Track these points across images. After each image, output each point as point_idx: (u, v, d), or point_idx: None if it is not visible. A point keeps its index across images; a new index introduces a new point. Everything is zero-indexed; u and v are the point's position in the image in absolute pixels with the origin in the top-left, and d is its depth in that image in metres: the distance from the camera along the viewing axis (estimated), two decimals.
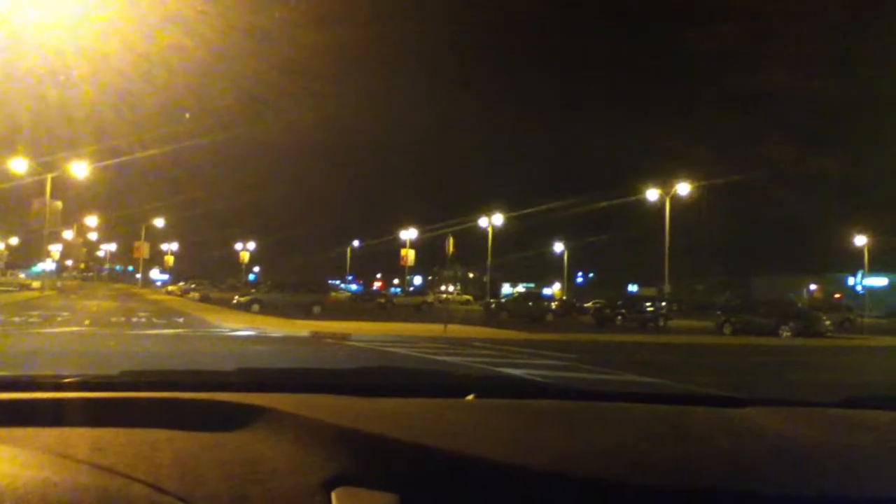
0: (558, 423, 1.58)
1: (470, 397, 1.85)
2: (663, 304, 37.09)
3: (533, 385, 2.63)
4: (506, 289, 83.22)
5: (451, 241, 22.10)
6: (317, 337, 18.45)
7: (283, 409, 1.48)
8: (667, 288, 42.10)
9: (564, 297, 58.64)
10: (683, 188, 44.22)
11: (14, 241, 79.70)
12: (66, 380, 1.63)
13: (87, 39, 21.07)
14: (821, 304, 44.30)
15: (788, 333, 27.84)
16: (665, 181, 44.64)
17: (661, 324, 33.79)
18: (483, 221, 58.71)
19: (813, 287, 63.73)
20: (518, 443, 1.36)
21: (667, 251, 42.95)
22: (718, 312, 34.66)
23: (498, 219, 58.93)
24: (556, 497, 1.16)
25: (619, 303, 38.97)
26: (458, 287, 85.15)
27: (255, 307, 32.16)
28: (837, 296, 52.95)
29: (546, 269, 79.79)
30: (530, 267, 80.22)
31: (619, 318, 35.56)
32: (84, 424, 1.42)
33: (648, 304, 38.75)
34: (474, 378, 2.44)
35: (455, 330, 21.67)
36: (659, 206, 44.78)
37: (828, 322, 30.22)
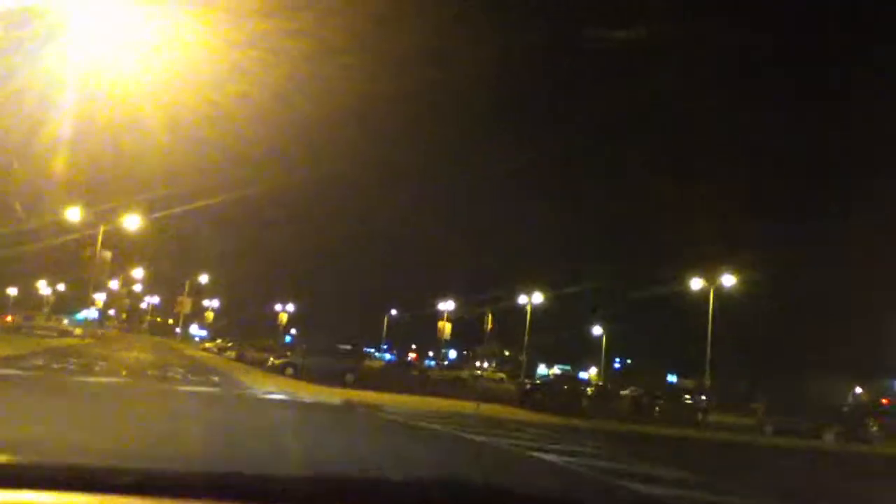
0: None
1: None
2: (703, 397, 36.11)
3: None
4: (541, 369, 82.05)
5: (489, 317, 21.97)
6: (349, 406, 18.27)
7: None
8: (707, 381, 41.15)
9: (600, 382, 57.52)
10: (728, 279, 43.72)
11: (61, 286, 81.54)
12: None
13: (144, 91, 21.84)
14: (868, 408, 42.69)
15: (832, 437, 26.77)
16: (711, 269, 44.18)
17: (700, 418, 32.77)
18: (522, 299, 58.51)
19: (859, 390, 61.59)
20: None
21: (709, 344, 42.17)
22: (759, 410, 33.52)
23: (538, 297, 58.70)
24: None
25: (658, 393, 38.02)
26: (494, 364, 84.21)
27: (289, 370, 32.10)
28: (885, 401, 51.01)
29: (583, 352, 78.66)
30: (567, 348, 79.18)
31: (657, 408, 34.61)
32: None
33: (688, 396, 37.75)
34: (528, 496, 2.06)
35: (488, 409, 21.30)
36: (702, 296, 44.22)
37: (874, 428, 29.02)
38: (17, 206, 31.56)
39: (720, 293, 43.46)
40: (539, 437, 15.08)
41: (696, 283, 44.33)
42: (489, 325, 21.96)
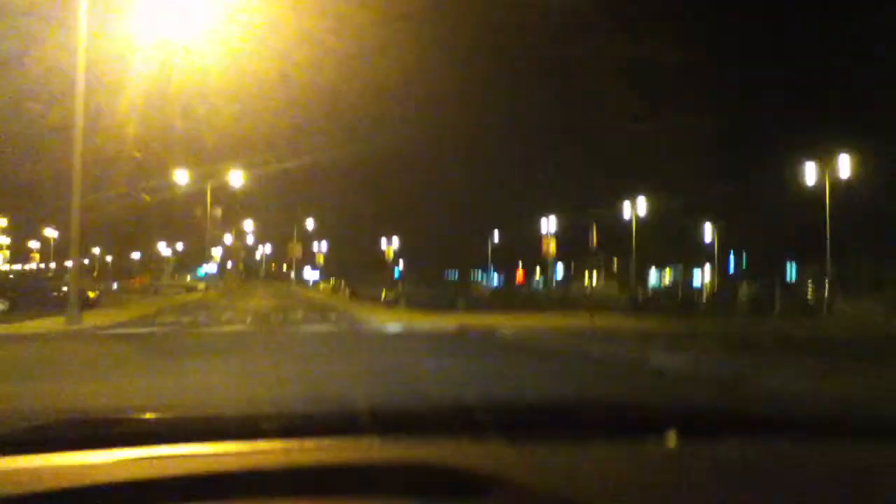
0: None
1: (671, 439, 1.49)
2: (826, 285, 34.77)
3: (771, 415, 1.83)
4: (653, 277, 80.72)
5: (594, 231, 21.71)
6: (463, 329, 18.67)
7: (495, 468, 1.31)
8: (828, 269, 39.47)
9: (715, 290, 56.15)
10: (843, 162, 41.36)
11: (179, 246, 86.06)
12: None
13: (231, 59, 22.34)
14: None
15: None
16: (823, 151, 41.85)
17: (825, 309, 31.67)
18: (626, 208, 57.40)
19: None
20: None
21: (828, 229, 40.27)
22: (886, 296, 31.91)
23: (641, 203, 57.43)
24: None
25: (776, 286, 36.89)
26: (603, 276, 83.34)
27: (402, 302, 32.98)
28: None
29: (695, 253, 76.53)
30: (678, 252, 77.27)
31: (778, 305, 33.61)
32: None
33: (810, 286, 36.46)
34: (671, 406, 1.90)
35: (601, 321, 21.26)
36: (817, 180, 42.11)
37: None
38: (137, 154, 33.16)
39: (835, 176, 41.25)
40: (653, 346, 14.98)
41: (810, 170, 42.23)
42: (594, 240, 21.74)
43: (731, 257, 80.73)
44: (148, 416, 1.62)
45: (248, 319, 23.40)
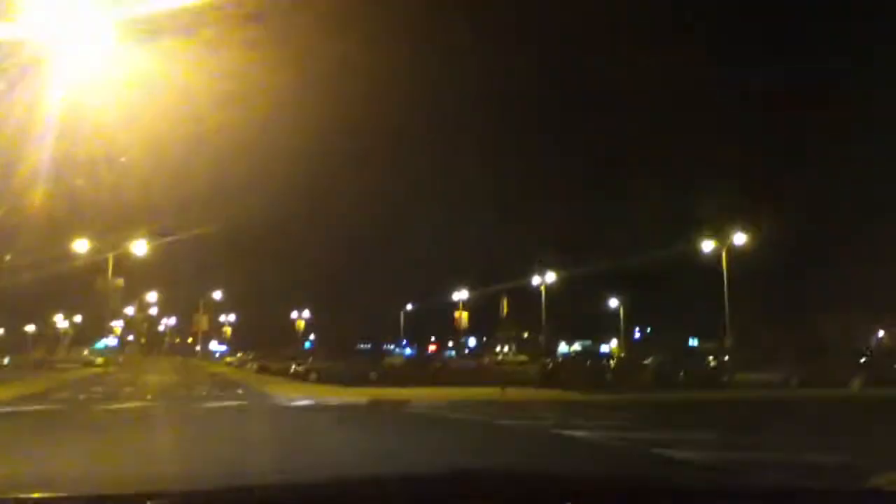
0: None
1: None
2: (726, 357, 36.05)
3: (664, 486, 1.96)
4: (562, 347, 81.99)
5: (505, 301, 22.00)
6: (375, 404, 18.35)
7: None
8: (728, 340, 41.04)
9: (621, 354, 57.57)
10: (739, 238, 43.54)
11: (78, 318, 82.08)
12: None
13: (138, 122, 21.87)
14: (893, 350, 42.52)
15: (858, 384, 26.65)
16: (720, 230, 43.96)
17: (726, 379, 32.74)
18: (536, 280, 58.52)
19: (881, 333, 61.32)
20: None
21: (726, 303, 42.02)
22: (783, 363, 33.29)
23: (551, 277, 58.68)
24: None
25: (680, 359, 38.02)
26: (513, 347, 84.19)
27: (313, 376, 32.25)
28: None
29: (602, 327, 78.55)
30: (586, 325, 79.08)
31: (681, 374, 34.56)
32: None
33: (711, 358, 37.72)
34: (574, 479, 2.03)
35: (513, 393, 21.32)
36: (714, 258, 44.07)
37: None
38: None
39: (732, 251, 43.31)
40: (564, 415, 15.12)
41: (708, 246, 44.21)
42: (505, 310, 22.00)
43: (637, 331, 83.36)
44: (25, 496, 1.55)
45: (149, 395, 22.35)
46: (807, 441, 11.04)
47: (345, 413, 16.54)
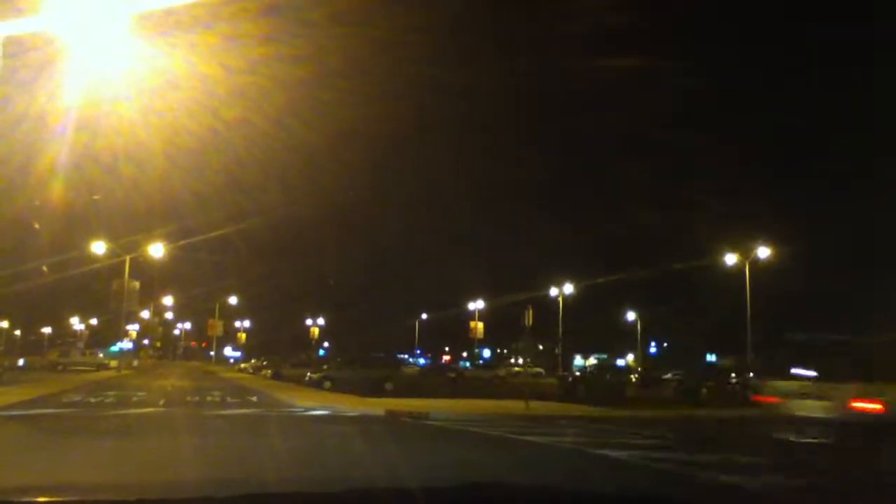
0: None
1: None
2: (750, 374, 35.14)
3: None
4: (577, 360, 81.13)
5: (529, 312, 21.37)
6: (393, 416, 17.69)
7: None
8: (749, 357, 40.19)
9: (640, 369, 56.63)
10: (763, 251, 42.71)
11: (94, 321, 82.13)
12: None
13: (156, 116, 21.48)
14: None
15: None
16: (741, 243, 43.17)
17: (748, 395, 31.86)
18: (553, 292, 57.84)
19: None
20: None
21: (748, 319, 41.24)
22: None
23: (568, 288, 57.99)
24: None
25: (700, 375, 37.24)
26: (529, 359, 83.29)
27: (327, 384, 31.71)
28: None
29: (618, 340, 77.60)
30: (601, 338, 78.14)
31: (704, 390, 33.72)
32: None
33: (733, 375, 36.86)
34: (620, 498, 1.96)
35: (536, 407, 20.65)
36: (735, 271, 43.23)
37: None
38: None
39: (754, 265, 42.48)
40: (593, 432, 14.46)
41: (730, 259, 43.36)
42: (529, 320, 21.37)
43: (653, 344, 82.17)
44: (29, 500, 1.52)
45: (161, 401, 21.86)
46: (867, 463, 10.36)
47: (363, 424, 15.89)
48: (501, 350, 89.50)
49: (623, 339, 76.49)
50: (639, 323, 74.05)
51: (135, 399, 22.38)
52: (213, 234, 44.98)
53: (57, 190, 24.97)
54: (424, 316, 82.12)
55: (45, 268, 40.75)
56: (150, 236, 45.72)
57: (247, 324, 78.53)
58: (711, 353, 73.26)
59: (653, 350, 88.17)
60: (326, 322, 71.64)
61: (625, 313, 73.90)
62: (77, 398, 22.10)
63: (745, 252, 42.92)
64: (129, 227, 46.10)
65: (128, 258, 48.01)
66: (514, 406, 20.48)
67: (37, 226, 30.68)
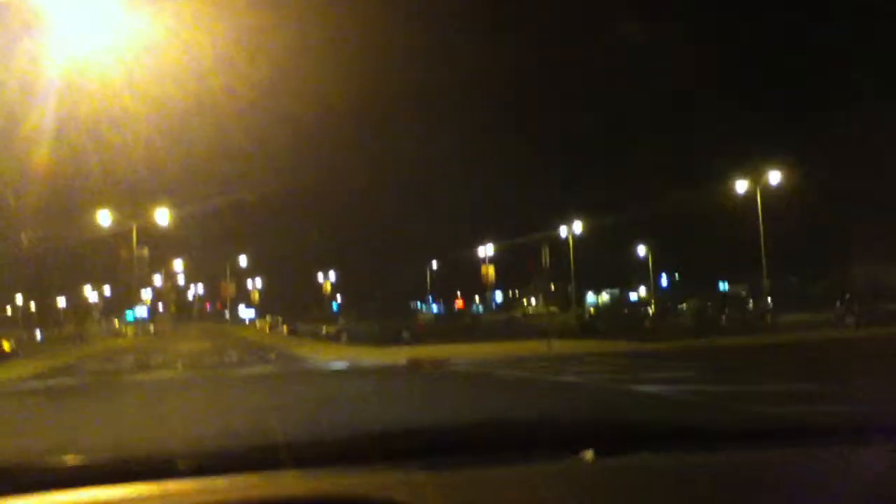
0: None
1: (588, 455, 1.58)
2: (769, 298, 34.81)
3: (695, 430, 1.93)
4: (590, 297, 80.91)
5: (545, 250, 21.01)
6: (415, 364, 17.47)
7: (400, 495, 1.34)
8: (766, 282, 39.72)
9: (653, 301, 56.42)
10: (774, 176, 41.87)
11: (107, 290, 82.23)
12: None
13: (142, 83, 20.87)
14: None
15: None
16: (751, 169, 42.32)
17: (769, 321, 31.61)
18: (562, 232, 57.25)
19: None
20: None
21: (763, 242, 40.61)
22: (838, 304, 31.93)
23: (577, 226, 57.40)
24: None
25: (718, 303, 36.98)
26: (541, 299, 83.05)
27: (344, 337, 31.64)
28: None
29: (629, 274, 77.10)
30: (612, 273, 77.67)
31: (724, 318, 33.49)
32: None
33: (751, 301, 36.64)
34: (590, 424, 1.99)
35: (558, 346, 20.39)
36: (746, 198, 42.44)
37: None
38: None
39: (764, 192, 41.71)
40: (621, 368, 14.14)
41: (741, 185, 42.54)
42: (546, 259, 21.01)
43: (664, 276, 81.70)
44: (55, 460, 1.56)
45: (180, 365, 21.70)
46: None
47: (385, 375, 15.66)
48: (512, 292, 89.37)
49: (634, 272, 75.93)
50: (650, 256, 73.35)
51: (154, 364, 22.24)
52: (218, 198, 44.51)
53: (44, 154, 24.44)
54: (435, 264, 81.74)
55: (24, 239, 40.12)
56: (154, 203, 45.19)
57: (259, 283, 78.52)
58: (723, 282, 72.78)
59: (665, 282, 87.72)
60: (338, 276, 71.49)
61: (635, 247, 73.12)
62: (96, 367, 21.99)
63: (756, 177, 42.03)
64: (132, 197, 45.45)
65: (134, 226, 47.61)
66: (537, 347, 20.24)
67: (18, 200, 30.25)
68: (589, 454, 1.57)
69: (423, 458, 1.53)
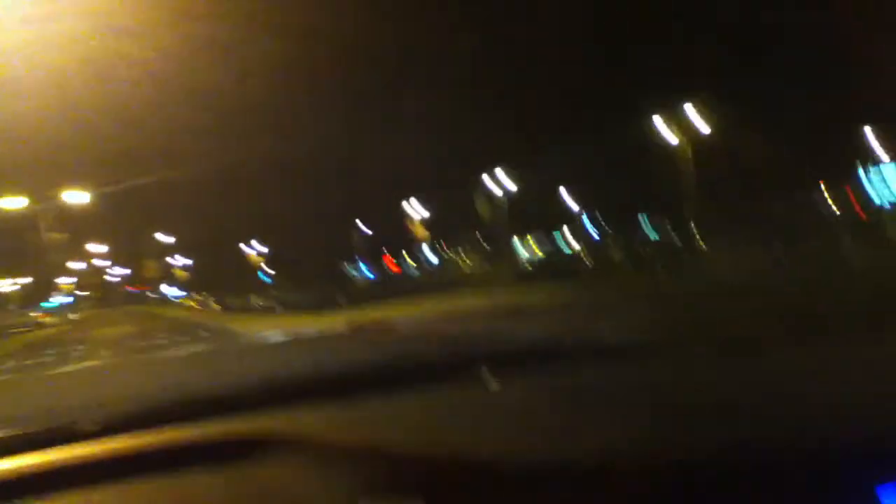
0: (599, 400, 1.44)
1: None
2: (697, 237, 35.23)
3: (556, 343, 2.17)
4: (518, 246, 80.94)
5: (481, 201, 20.47)
6: (358, 329, 16.74)
7: (288, 431, 1.39)
8: (691, 212, 39.85)
9: (579, 245, 56.80)
10: (690, 111, 42.04)
11: (25, 279, 78.62)
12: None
13: (46, 56, 19.28)
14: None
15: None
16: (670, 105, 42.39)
17: (704, 258, 31.96)
18: (487, 181, 56.77)
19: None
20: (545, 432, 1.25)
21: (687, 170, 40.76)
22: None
23: (502, 175, 56.99)
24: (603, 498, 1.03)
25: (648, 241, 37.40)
26: (473, 254, 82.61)
27: (279, 308, 30.74)
28: None
29: (553, 219, 77.27)
30: (539, 219, 77.70)
31: (658, 259, 33.75)
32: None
33: (674, 236, 37.19)
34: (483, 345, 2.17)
35: (506, 298, 19.99)
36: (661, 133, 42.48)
37: None
38: None
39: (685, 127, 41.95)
40: (572, 318, 13.75)
41: (658, 123, 42.61)
42: (484, 209, 20.53)
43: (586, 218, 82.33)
44: None
45: (104, 352, 20.45)
46: None
47: (329, 343, 14.93)
48: (441, 247, 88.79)
49: (561, 218, 76.18)
50: (574, 199, 73.46)
51: (75, 354, 20.93)
52: (137, 178, 42.24)
53: None
54: (361, 225, 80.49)
55: None
56: (69, 187, 42.75)
57: (184, 261, 76.34)
58: (643, 214, 73.39)
59: (587, 222, 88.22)
60: (267, 247, 69.95)
61: (558, 191, 72.92)
62: (12, 363, 20.59)
63: (672, 115, 42.03)
64: (46, 183, 42.84)
65: (43, 210, 45.11)
66: (479, 303, 19.79)
67: None
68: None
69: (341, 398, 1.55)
